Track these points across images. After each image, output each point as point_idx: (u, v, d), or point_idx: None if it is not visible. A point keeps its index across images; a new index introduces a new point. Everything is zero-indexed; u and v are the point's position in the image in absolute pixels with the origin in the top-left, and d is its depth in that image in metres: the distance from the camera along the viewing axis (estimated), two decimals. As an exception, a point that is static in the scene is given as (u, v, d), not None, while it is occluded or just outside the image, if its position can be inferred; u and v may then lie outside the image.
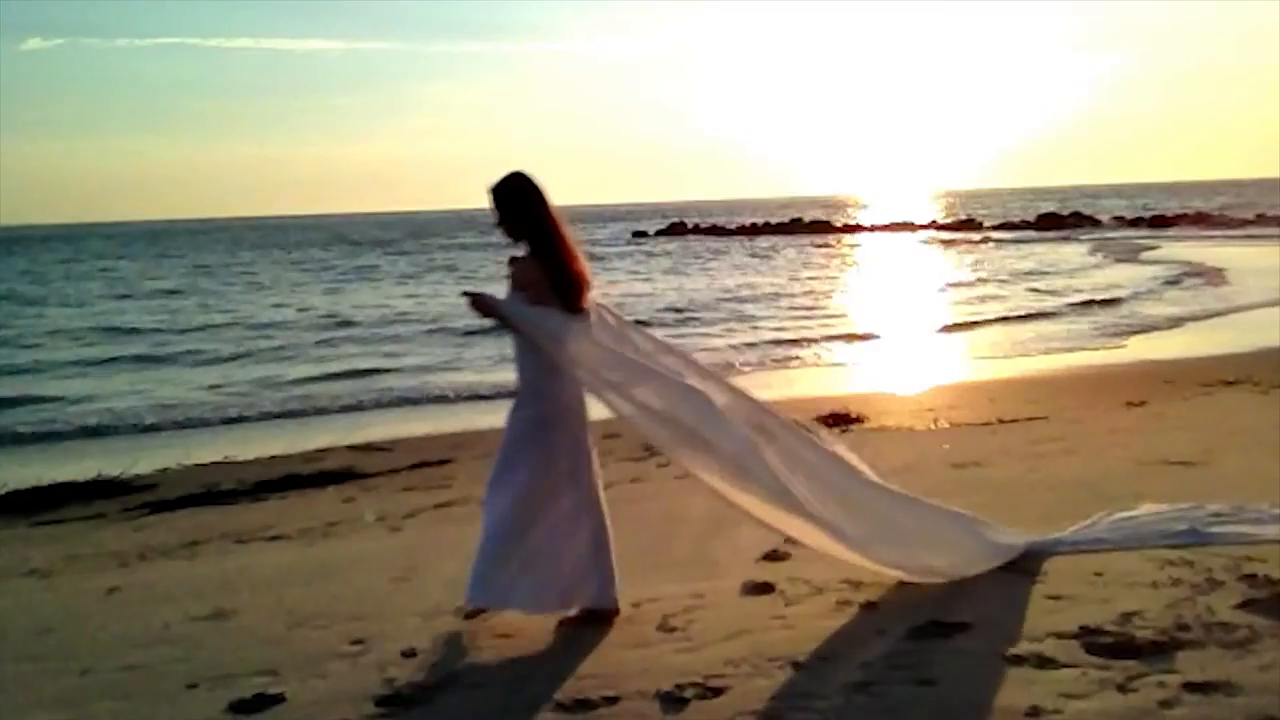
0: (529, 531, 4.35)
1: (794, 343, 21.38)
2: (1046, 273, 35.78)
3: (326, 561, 6.49)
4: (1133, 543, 4.81)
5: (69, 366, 21.36)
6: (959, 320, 24.02)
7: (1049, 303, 26.61)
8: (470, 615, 4.52)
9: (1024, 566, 4.59)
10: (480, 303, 4.42)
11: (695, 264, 47.33)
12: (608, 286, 35.87)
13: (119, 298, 38.15)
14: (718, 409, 4.45)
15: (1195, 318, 21.93)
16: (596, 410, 4.46)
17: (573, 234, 4.47)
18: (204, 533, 8.15)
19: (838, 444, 4.83)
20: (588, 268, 4.48)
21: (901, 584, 4.50)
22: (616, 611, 4.40)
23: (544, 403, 4.40)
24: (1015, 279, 33.70)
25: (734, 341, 21.70)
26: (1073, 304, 25.75)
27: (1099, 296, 26.45)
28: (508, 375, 4.97)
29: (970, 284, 32.52)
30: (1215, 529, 4.86)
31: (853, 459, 4.73)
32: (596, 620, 4.36)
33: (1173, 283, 29.35)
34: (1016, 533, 4.88)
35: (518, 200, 4.42)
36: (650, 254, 56.19)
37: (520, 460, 4.40)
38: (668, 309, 28.33)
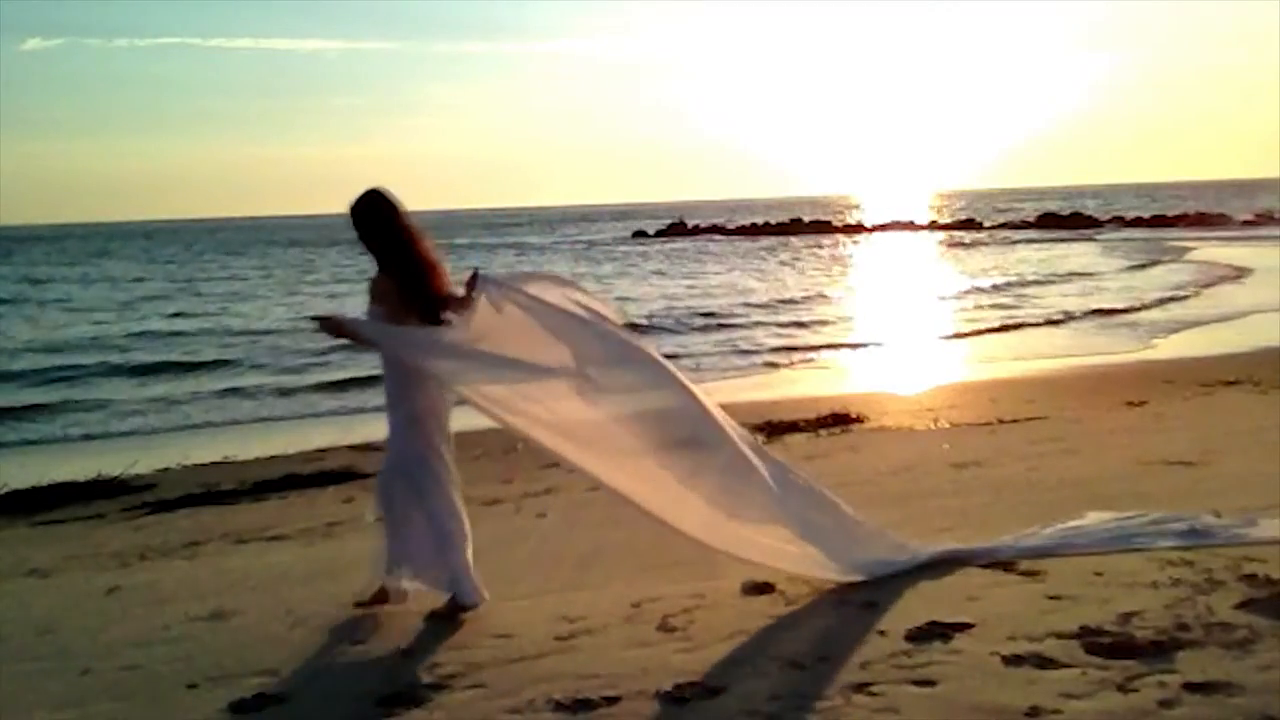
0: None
1: (811, 346, 21.33)
2: (1071, 276, 34.04)
3: (326, 561, 6.50)
4: (1086, 547, 4.80)
5: (65, 372, 21.15)
6: (991, 326, 23.03)
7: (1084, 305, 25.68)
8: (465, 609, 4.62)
9: (1023, 566, 4.59)
10: (329, 324, 4.55)
11: (697, 264, 47.35)
12: (602, 288, 35.87)
13: (122, 305, 37.80)
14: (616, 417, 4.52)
15: (1227, 318, 21.40)
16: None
17: (432, 249, 4.65)
18: (204, 533, 8.15)
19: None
20: (447, 282, 4.66)
21: (902, 585, 4.50)
22: (474, 605, 4.60)
23: (408, 419, 4.60)
24: (1036, 284, 32.22)
25: (745, 346, 21.61)
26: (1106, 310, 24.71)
27: (1135, 304, 25.33)
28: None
29: (990, 290, 30.69)
30: (1214, 528, 4.85)
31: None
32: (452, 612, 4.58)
33: (1206, 285, 28.54)
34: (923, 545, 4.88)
35: (372, 218, 4.61)
36: (652, 254, 56.21)
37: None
38: (673, 311, 28.28)
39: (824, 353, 20.41)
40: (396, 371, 4.61)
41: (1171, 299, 26.03)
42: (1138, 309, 24.71)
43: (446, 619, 4.56)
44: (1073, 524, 5.17)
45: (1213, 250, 41.12)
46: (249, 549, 7.40)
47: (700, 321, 25.79)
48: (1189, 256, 38.75)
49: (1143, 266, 36.46)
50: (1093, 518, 5.24)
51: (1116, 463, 7.36)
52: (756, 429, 11.10)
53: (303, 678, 4.04)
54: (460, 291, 4.64)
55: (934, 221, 79.56)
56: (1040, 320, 23.82)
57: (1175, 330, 20.48)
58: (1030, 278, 34.14)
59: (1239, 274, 30.89)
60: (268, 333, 26.64)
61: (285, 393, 17.83)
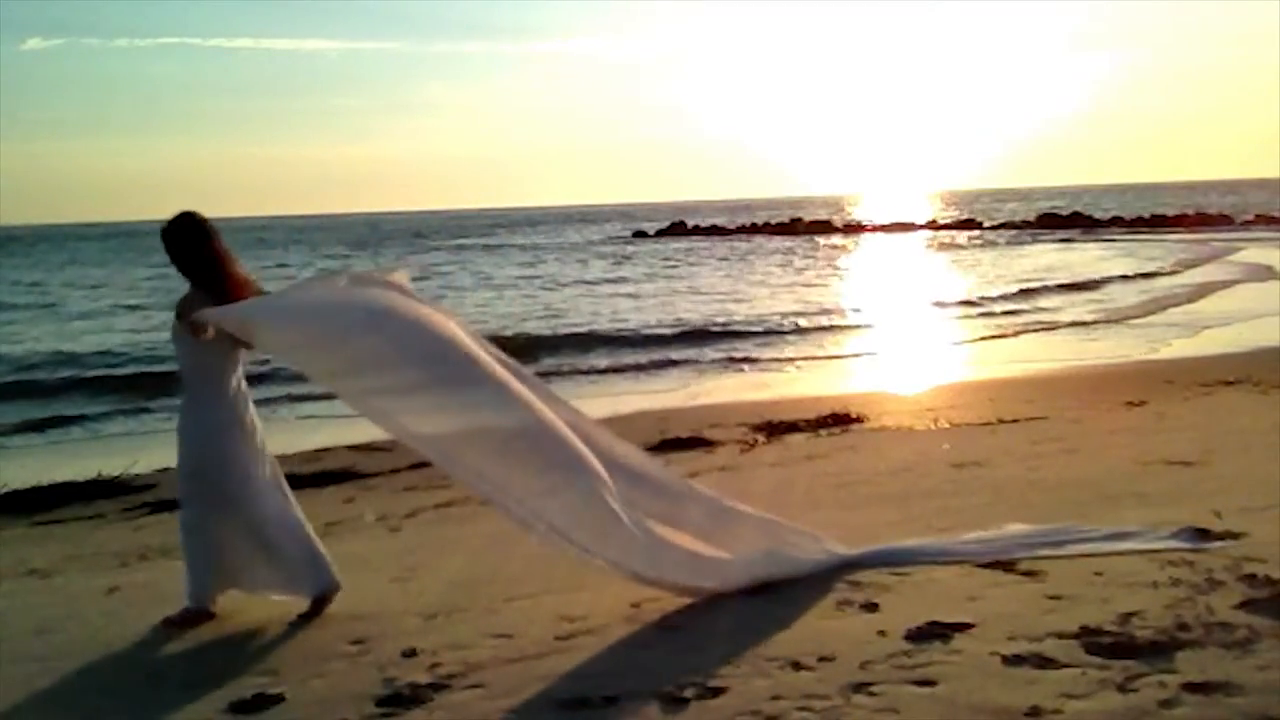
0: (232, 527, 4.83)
1: (812, 344, 21.33)
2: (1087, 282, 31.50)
3: (326, 561, 6.49)
4: (985, 555, 4.79)
5: (64, 380, 20.82)
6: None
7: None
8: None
9: (1023, 566, 4.59)
10: (198, 326, 4.69)
11: (697, 264, 47.34)
12: (597, 289, 35.81)
13: (120, 308, 37.37)
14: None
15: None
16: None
17: (243, 270, 4.91)
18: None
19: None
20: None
21: (901, 584, 4.50)
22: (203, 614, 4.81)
23: (210, 418, 4.80)
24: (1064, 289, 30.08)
25: (745, 347, 21.52)
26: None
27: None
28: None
29: (998, 298, 28.77)
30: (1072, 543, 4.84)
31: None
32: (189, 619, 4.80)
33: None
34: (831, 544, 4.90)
35: (184, 239, 4.85)
36: (652, 254, 56.20)
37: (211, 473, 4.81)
38: (672, 311, 28.26)
39: (824, 353, 20.41)
40: (202, 376, 4.80)
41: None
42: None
43: (170, 624, 4.82)
44: (989, 534, 5.15)
45: (1255, 252, 39.80)
46: (249, 549, 7.39)
47: (699, 322, 25.76)
48: (1231, 258, 37.18)
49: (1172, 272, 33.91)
50: (1012, 529, 5.22)
51: (1116, 463, 7.36)
52: (756, 429, 11.13)
53: (303, 678, 4.04)
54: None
55: (934, 221, 79.59)
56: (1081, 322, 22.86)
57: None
58: (1051, 282, 31.81)
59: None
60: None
61: (285, 395, 17.74)
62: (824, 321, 25.38)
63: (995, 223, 74.91)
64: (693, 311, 28.03)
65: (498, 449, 4.55)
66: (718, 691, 3.55)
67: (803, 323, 25.17)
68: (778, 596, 4.50)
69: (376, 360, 4.57)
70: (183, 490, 4.92)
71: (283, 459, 12.23)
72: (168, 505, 9.59)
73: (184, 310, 4.80)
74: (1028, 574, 4.49)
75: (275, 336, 4.73)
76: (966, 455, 8.27)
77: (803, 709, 3.36)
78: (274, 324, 4.70)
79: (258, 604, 5.24)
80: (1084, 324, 22.86)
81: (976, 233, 67.11)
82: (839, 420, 11.29)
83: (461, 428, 4.60)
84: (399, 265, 5.44)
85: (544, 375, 15.95)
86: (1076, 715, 3.18)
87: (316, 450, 12.06)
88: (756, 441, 10.49)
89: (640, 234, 77.73)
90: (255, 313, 4.72)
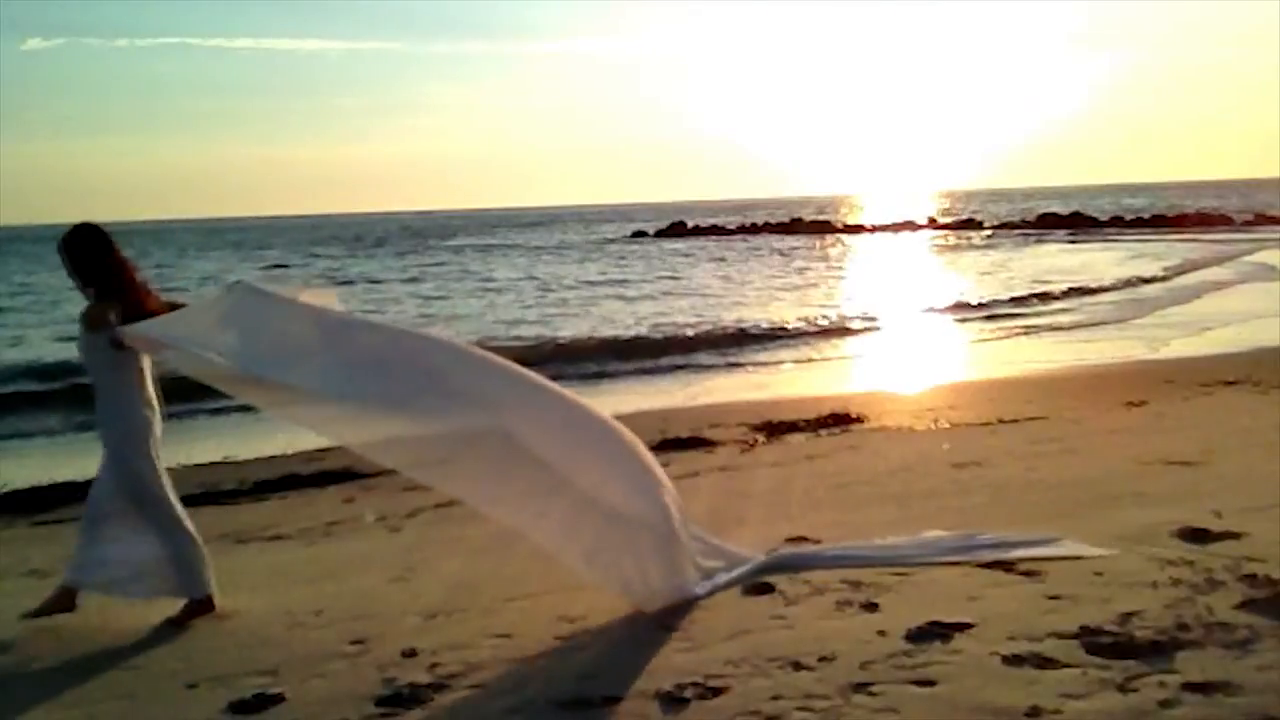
0: (110, 523, 4.97)
1: (812, 345, 21.30)
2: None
3: (326, 561, 6.50)
4: (895, 559, 4.82)
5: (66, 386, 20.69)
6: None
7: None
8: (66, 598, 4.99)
9: (1023, 566, 4.59)
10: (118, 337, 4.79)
11: (697, 264, 47.31)
12: (596, 290, 35.72)
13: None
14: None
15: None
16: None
17: (143, 278, 5.05)
18: (204, 533, 8.07)
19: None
20: (159, 303, 5.03)
21: (901, 584, 4.50)
22: (209, 603, 4.92)
23: (125, 435, 5.00)
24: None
25: (744, 347, 21.50)
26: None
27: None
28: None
29: (1008, 301, 27.22)
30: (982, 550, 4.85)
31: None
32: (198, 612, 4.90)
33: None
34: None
35: (85, 249, 4.91)
36: (652, 254, 56.19)
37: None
38: (672, 310, 28.26)
39: (824, 354, 20.39)
40: (117, 386, 4.92)
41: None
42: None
43: (179, 624, 4.86)
44: (903, 540, 5.15)
45: (1270, 253, 38.41)
46: (249, 549, 7.40)
47: (699, 322, 25.73)
48: (1250, 259, 36.35)
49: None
50: (931, 534, 5.22)
51: (1116, 463, 7.36)
52: (756, 429, 11.12)
53: (303, 678, 4.04)
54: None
55: (934, 221, 79.60)
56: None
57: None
58: (1057, 285, 30.13)
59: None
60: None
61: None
62: (823, 322, 25.32)
63: (996, 223, 74.89)
64: (692, 311, 27.99)
65: (493, 451, 4.54)
66: (718, 691, 3.55)
67: (802, 323, 25.12)
68: (778, 596, 4.50)
69: (335, 379, 4.59)
70: (147, 496, 5.01)
71: (283, 459, 12.32)
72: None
73: (96, 320, 4.84)
74: (1028, 574, 4.50)
75: (193, 362, 4.80)
76: (966, 455, 8.27)
77: (803, 709, 3.37)
78: (193, 352, 4.76)
79: (257, 604, 5.25)
80: (1084, 325, 22.72)
81: (977, 233, 67.07)
82: (839, 420, 11.28)
83: (450, 430, 4.59)
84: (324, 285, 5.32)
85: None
86: (1076, 715, 3.18)
87: (317, 450, 12.01)
88: (756, 441, 10.48)
89: (640, 234, 77.66)
90: (168, 335, 4.79)
